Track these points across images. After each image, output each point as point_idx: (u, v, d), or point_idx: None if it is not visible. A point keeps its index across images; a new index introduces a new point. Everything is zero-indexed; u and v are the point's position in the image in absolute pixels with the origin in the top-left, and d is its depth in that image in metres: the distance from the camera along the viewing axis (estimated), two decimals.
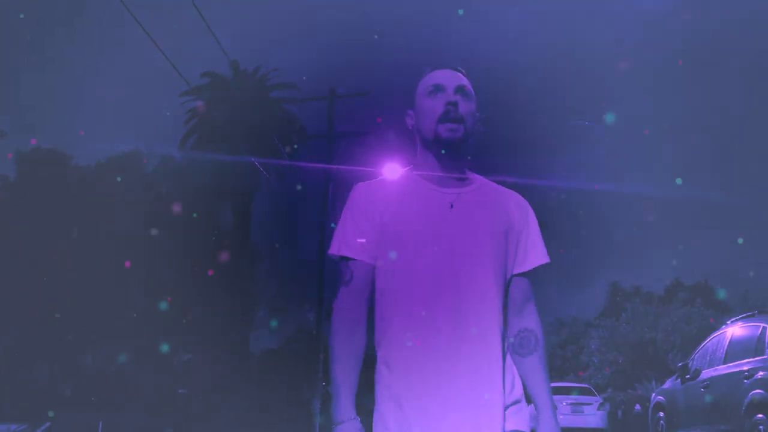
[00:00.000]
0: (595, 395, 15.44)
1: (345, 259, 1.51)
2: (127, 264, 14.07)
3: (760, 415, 5.55)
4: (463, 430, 1.37)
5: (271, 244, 23.06)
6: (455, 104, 1.49)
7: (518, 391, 1.49)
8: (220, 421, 12.90)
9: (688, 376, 7.32)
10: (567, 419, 14.34)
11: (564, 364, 31.05)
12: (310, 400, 13.01)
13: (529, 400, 1.52)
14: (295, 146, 20.12)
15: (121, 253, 14.65)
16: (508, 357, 1.50)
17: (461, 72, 1.58)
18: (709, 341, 7.28)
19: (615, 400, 12.89)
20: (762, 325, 6.10)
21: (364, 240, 1.50)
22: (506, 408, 1.44)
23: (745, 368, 5.97)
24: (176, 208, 16.74)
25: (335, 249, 1.52)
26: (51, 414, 10.07)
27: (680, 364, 7.74)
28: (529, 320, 1.53)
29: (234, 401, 14.09)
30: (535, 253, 1.55)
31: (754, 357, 5.96)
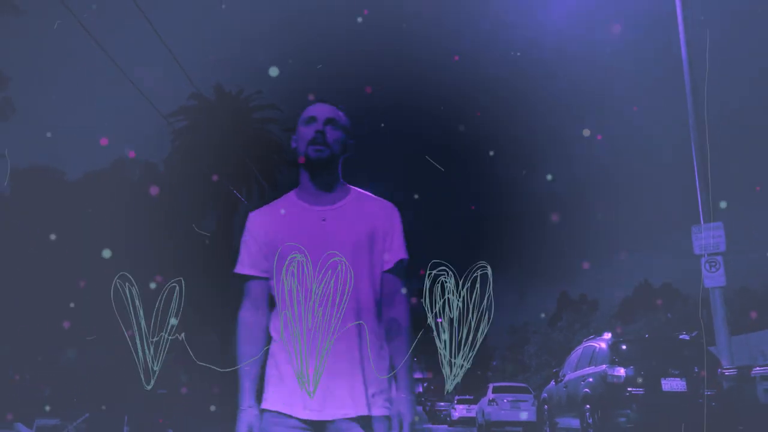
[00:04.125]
0: (531, 393, 18.35)
1: (244, 276, 1.82)
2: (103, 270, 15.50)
3: (587, 406, 8.26)
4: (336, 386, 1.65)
5: None
6: (323, 132, 1.79)
7: (386, 379, 1.71)
8: (205, 418, 14.25)
9: (559, 378, 10.01)
10: (507, 413, 17.43)
11: (513, 366, 33.72)
12: None
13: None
14: (276, 167, 22.46)
15: (102, 257, 16.24)
16: (384, 343, 1.76)
17: (336, 107, 1.87)
18: (573, 353, 9.97)
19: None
20: (594, 345, 8.82)
21: (255, 259, 1.80)
22: (374, 394, 1.68)
23: (583, 374, 8.68)
24: (160, 215, 18.55)
25: (236, 268, 1.83)
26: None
27: (555, 369, 10.41)
28: (397, 310, 1.77)
29: (213, 400, 15.43)
30: (396, 252, 1.80)
31: (588, 366, 8.67)
